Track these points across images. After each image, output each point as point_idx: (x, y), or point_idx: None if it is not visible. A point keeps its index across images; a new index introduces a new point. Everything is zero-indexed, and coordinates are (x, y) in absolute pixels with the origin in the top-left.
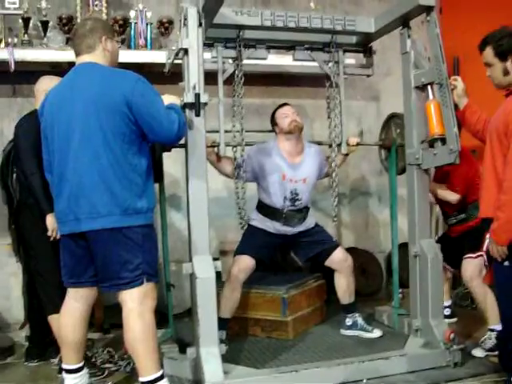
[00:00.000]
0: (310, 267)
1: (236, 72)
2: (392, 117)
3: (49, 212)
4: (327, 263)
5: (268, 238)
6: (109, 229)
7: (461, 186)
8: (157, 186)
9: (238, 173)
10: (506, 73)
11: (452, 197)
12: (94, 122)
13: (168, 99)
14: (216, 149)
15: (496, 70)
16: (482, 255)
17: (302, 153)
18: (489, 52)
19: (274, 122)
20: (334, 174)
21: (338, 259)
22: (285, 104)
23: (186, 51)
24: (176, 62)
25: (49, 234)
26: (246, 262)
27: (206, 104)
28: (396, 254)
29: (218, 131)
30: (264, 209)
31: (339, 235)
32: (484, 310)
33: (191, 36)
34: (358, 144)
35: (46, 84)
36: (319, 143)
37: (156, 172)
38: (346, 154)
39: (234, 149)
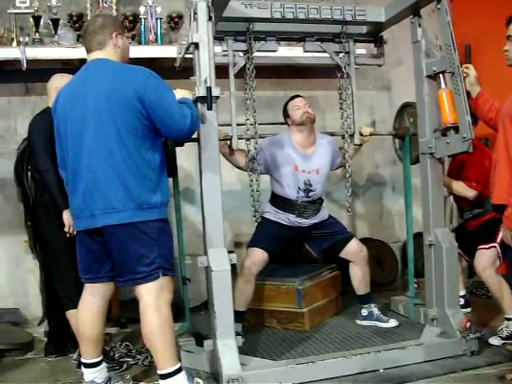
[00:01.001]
0: (325, 258)
1: (247, 65)
2: (405, 106)
3: (65, 208)
4: (342, 254)
5: (282, 231)
6: (124, 224)
7: (477, 179)
8: (171, 180)
9: (252, 166)
10: None
11: (469, 193)
12: (107, 118)
13: (180, 93)
14: (228, 142)
15: None
16: (495, 246)
17: (314, 144)
18: None
19: (286, 114)
20: (347, 165)
21: (353, 250)
22: (297, 96)
23: (196, 45)
24: (187, 56)
25: (65, 229)
26: (258, 255)
27: (217, 97)
28: (411, 244)
29: (230, 125)
30: (278, 201)
31: (354, 226)
32: (499, 299)
33: (201, 30)
34: (371, 134)
35: (58, 82)
36: (332, 134)
37: (169, 166)
38: (360, 145)
39: (248, 142)
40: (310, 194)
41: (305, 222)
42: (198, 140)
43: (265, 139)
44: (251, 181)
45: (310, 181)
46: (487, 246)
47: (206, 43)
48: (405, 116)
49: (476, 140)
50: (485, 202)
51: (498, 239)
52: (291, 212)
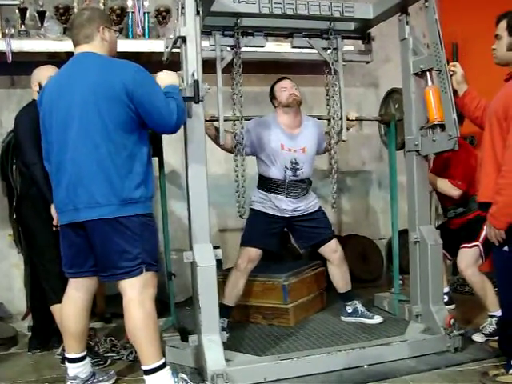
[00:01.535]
0: (310, 255)
1: (234, 60)
2: (391, 92)
3: (53, 202)
4: (320, 250)
5: (272, 224)
6: (107, 218)
7: (462, 178)
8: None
9: (238, 149)
10: (509, 48)
11: (454, 191)
12: (92, 111)
13: (167, 78)
14: (215, 123)
15: (502, 43)
16: (477, 245)
17: (300, 125)
18: (503, 24)
19: (272, 96)
20: (333, 161)
21: (329, 249)
22: (284, 78)
23: (183, 39)
24: (174, 50)
25: (54, 223)
26: (254, 253)
27: (205, 93)
28: (396, 238)
29: (217, 119)
30: (266, 183)
31: (339, 222)
32: (483, 297)
33: (189, 24)
34: (357, 119)
35: (42, 74)
36: (318, 118)
37: (154, 145)
38: (347, 129)
39: (234, 124)
40: (298, 172)
41: (293, 204)
42: (184, 134)
43: (251, 121)
44: (236, 166)
45: (296, 159)
46: (470, 245)
47: (193, 37)
48: (390, 102)
49: (461, 139)
50: (470, 200)
51: (481, 238)
52: (280, 192)
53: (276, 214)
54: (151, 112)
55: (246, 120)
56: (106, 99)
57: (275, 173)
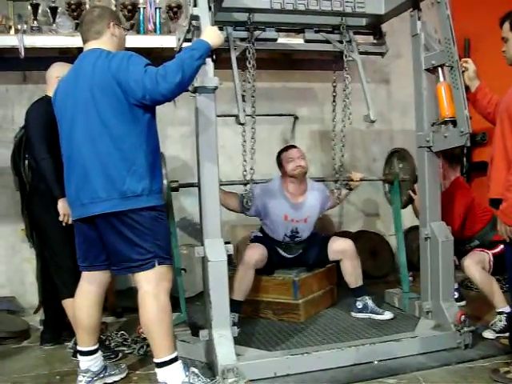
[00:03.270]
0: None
1: (248, 56)
2: (394, 152)
3: (60, 197)
4: (332, 258)
5: (275, 245)
6: (114, 213)
7: (451, 225)
8: None
9: (243, 205)
10: None
11: None
12: (91, 108)
13: (208, 32)
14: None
15: (510, 44)
16: (487, 252)
17: (305, 192)
18: (506, 26)
19: (279, 163)
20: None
21: (338, 248)
22: (292, 146)
23: (197, 28)
24: (185, 44)
25: (60, 218)
26: (260, 249)
27: (216, 88)
28: (401, 237)
29: (228, 115)
30: (265, 234)
31: (350, 218)
32: (489, 294)
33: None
34: (361, 180)
35: (58, 71)
36: (323, 180)
37: None
38: (350, 189)
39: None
40: (296, 239)
41: (290, 255)
42: (196, 131)
43: (257, 187)
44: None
45: (297, 229)
46: (479, 250)
47: (206, 20)
48: (394, 161)
49: (460, 178)
50: (481, 233)
51: (494, 250)
52: (277, 246)
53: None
54: (134, 87)
55: (256, 116)
56: (104, 94)
57: (274, 236)
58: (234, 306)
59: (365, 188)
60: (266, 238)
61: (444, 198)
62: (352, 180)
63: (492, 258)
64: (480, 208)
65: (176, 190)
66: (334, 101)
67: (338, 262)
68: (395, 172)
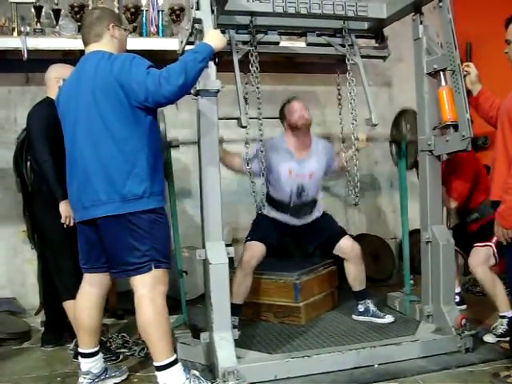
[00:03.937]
0: (321, 254)
1: (250, 59)
2: (403, 112)
3: (62, 199)
4: (335, 252)
5: (277, 226)
6: (114, 215)
7: (459, 192)
8: None
9: (246, 163)
10: None
11: (450, 204)
12: (93, 111)
13: (212, 36)
14: (222, 145)
15: None
16: (490, 245)
17: (309, 147)
18: (511, 28)
19: (282, 116)
20: (354, 159)
21: (345, 247)
22: (294, 98)
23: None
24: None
25: (62, 220)
26: (257, 248)
27: (218, 91)
28: (406, 238)
29: (230, 118)
30: (271, 201)
31: (351, 221)
32: (493, 297)
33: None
34: (367, 139)
35: (56, 72)
36: (328, 138)
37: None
38: (357, 150)
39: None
40: (303, 196)
41: (298, 221)
42: (198, 133)
43: (260, 143)
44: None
45: (302, 185)
46: (482, 244)
47: (209, 23)
48: (402, 122)
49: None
50: (484, 205)
51: (494, 239)
52: (284, 212)
53: (283, 221)
54: (136, 89)
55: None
56: (105, 96)
57: (280, 195)
58: (234, 309)
59: (366, 191)
60: (266, 218)
61: (451, 166)
62: (357, 139)
63: (496, 249)
64: (486, 179)
65: (177, 146)
66: (339, 104)
67: (340, 265)
68: (403, 133)
